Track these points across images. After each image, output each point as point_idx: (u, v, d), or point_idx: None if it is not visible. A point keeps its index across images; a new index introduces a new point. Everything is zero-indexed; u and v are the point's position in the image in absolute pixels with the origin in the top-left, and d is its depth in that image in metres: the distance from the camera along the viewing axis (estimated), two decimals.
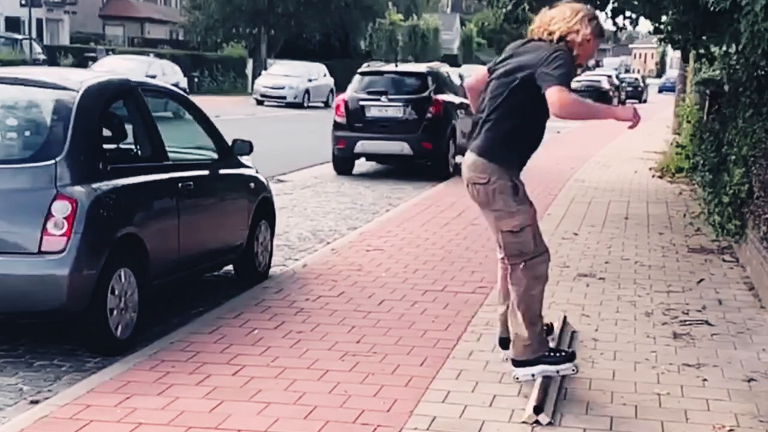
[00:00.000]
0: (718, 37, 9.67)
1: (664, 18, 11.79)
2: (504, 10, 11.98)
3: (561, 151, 21.56)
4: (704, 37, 10.48)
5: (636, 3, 11.12)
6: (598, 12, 11.96)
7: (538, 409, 4.68)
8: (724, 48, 9.91)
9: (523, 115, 5.04)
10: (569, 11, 5.07)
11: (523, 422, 4.64)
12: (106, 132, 6.16)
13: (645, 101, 58.42)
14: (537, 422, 4.63)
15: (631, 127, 5.08)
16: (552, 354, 5.23)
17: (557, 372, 5.19)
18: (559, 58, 4.82)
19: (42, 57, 38.96)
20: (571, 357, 5.30)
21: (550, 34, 5.02)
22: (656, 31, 12.67)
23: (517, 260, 5.09)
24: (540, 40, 5.06)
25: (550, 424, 4.64)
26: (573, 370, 5.26)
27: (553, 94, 4.71)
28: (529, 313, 5.11)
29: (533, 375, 5.13)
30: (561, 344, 5.73)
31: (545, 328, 5.41)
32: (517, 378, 5.19)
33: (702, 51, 12.16)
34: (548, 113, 4.92)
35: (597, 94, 42.36)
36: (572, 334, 6.15)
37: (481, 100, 5.25)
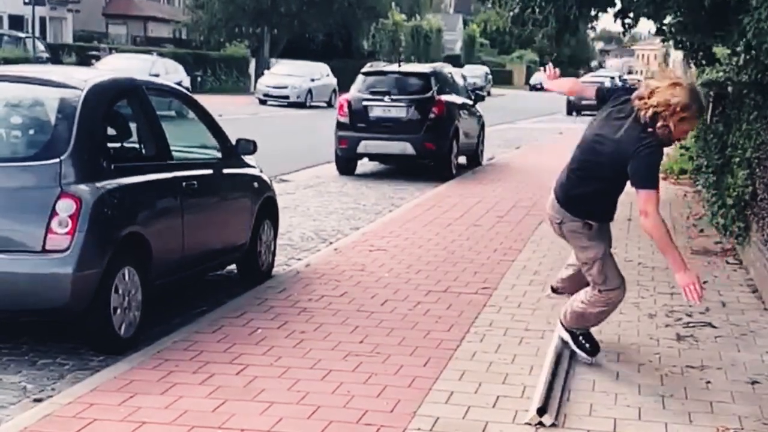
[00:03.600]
0: (726, 36, 9.66)
1: (668, 19, 11.77)
2: (511, 13, 11.96)
3: (564, 152, 21.53)
4: (714, 35, 10.45)
5: (639, 4, 11.10)
6: (602, 14, 11.97)
7: (541, 411, 4.69)
8: (732, 47, 9.89)
9: (602, 184, 5.32)
10: (671, 89, 5.01)
11: (527, 423, 4.64)
12: (111, 131, 6.18)
13: None
14: (540, 423, 4.63)
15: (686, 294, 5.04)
16: (582, 340, 5.68)
17: (574, 351, 5.68)
18: (652, 155, 5.03)
19: (45, 55, 38.90)
20: (594, 352, 5.68)
21: (648, 109, 5.01)
22: (659, 31, 12.66)
23: (594, 285, 5.50)
24: (637, 115, 5.05)
25: (553, 425, 4.64)
26: (588, 360, 5.62)
27: (645, 204, 5.00)
28: (580, 321, 5.63)
29: (560, 335, 5.76)
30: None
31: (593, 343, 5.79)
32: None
33: (705, 52, 12.15)
34: (624, 186, 5.26)
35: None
36: None
37: (577, 147, 5.50)
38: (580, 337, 5.69)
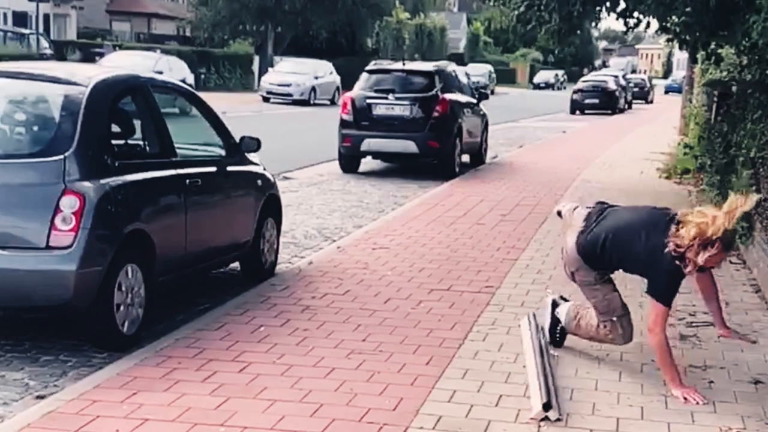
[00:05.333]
0: (730, 35, 9.66)
1: (674, 18, 11.76)
2: (516, 11, 11.95)
3: (567, 150, 21.55)
4: (719, 34, 10.44)
5: (647, 4, 11.10)
6: (607, 14, 11.94)
7: (547, 406, 4.71)
8: (735, 46, 9.89)
9: (618, 260, 5.45)
10: (705, 224, 4.97)
11: (532, 419, 4.67)
12: (115, 128, 6.16)
13: (651, 102, 58.33)
14: (546, 418, 4.66)
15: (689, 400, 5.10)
16: (558, 329, 5.89)
17: (540, 332, 5.97)
18: (674, 279, 5.17)
19: (49, 52, 38.92)
20: (558, 345, 5.92)
21: (676, 240, 5.04)
22: (664, 30, 12.64)
23: (600, 318, 5.64)
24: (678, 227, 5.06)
25: (558, 420, 4.66)
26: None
27: (655, 322, 5.19)
28: (577, 330, 5.82)
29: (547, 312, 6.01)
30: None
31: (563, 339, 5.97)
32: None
33: (709, 51, 12.15)
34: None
35: (604, 94, 42.22)
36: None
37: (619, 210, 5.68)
38: (559, 327, 5.90)
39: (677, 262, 5.04)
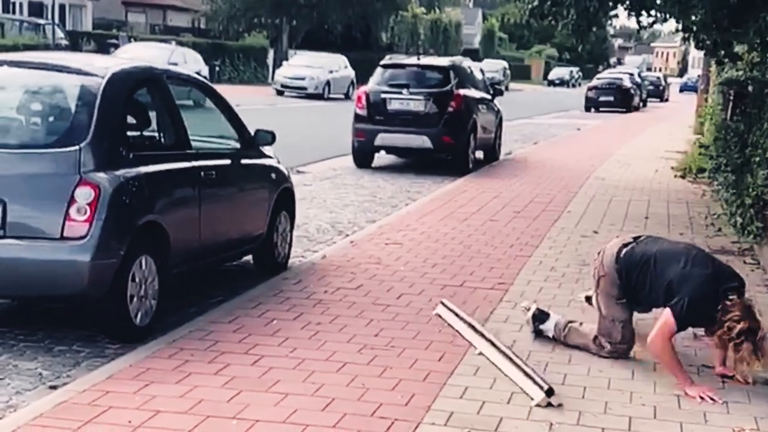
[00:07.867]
0: (742, 33, 9.60)
1: (692, 18, 11.69)
2: (530, 5, 11.88)
3: (581, 148, 21.50)
4: (732, 31, 10.38)
5: (663, 2, 11.04)
6: (628, 12, 11.87)
7: (550, 392, 4.79)
8: (748, 44, 9.84)
9: (649, 282, 5.46)
10: (735, 328, 5.09)
11: (537, 405, 4.76)
12: (130, 119, 6.17)
13: (666, 100, 58.15)
14: (549, 404, 4.74)
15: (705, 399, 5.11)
16: (536, 326, 6.03)
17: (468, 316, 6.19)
18: (696, 310, 5.17)
19: (64, 42, 39.07)
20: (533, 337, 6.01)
21: (719, 321, 5.14)
22: (682, 29, 12.56)
23: (600, 338, 5.69)
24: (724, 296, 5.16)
25: (560, 405, 4.75)
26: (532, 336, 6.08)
27: (661, 332, 5.21)
28: (567, 341, 5.88)
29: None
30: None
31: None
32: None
33: (725, 51, 12.07)
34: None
35: (619, 92, 42.07)
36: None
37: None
38: (537, 327, 6.06)
39: (714, 307, 5.12)
